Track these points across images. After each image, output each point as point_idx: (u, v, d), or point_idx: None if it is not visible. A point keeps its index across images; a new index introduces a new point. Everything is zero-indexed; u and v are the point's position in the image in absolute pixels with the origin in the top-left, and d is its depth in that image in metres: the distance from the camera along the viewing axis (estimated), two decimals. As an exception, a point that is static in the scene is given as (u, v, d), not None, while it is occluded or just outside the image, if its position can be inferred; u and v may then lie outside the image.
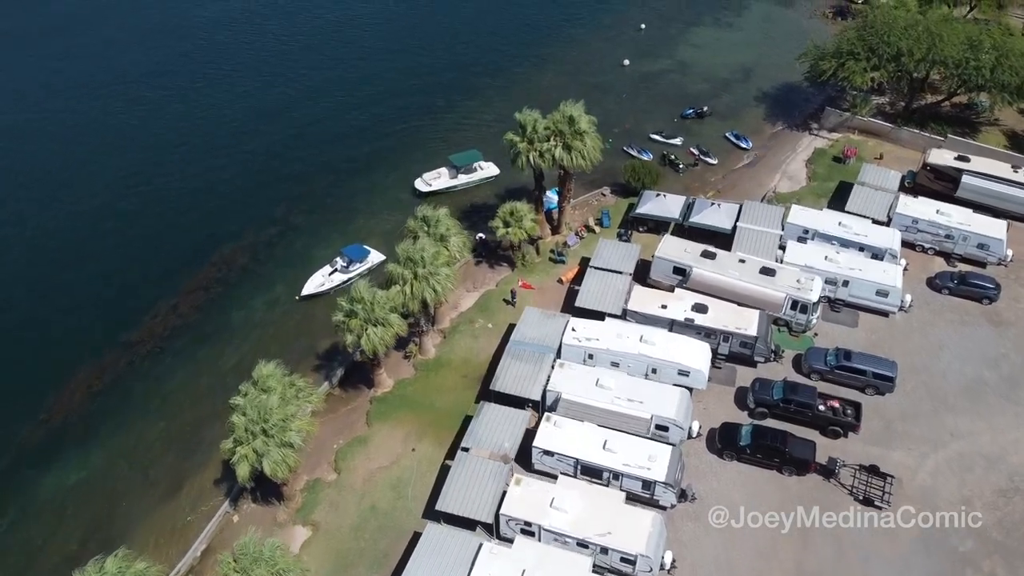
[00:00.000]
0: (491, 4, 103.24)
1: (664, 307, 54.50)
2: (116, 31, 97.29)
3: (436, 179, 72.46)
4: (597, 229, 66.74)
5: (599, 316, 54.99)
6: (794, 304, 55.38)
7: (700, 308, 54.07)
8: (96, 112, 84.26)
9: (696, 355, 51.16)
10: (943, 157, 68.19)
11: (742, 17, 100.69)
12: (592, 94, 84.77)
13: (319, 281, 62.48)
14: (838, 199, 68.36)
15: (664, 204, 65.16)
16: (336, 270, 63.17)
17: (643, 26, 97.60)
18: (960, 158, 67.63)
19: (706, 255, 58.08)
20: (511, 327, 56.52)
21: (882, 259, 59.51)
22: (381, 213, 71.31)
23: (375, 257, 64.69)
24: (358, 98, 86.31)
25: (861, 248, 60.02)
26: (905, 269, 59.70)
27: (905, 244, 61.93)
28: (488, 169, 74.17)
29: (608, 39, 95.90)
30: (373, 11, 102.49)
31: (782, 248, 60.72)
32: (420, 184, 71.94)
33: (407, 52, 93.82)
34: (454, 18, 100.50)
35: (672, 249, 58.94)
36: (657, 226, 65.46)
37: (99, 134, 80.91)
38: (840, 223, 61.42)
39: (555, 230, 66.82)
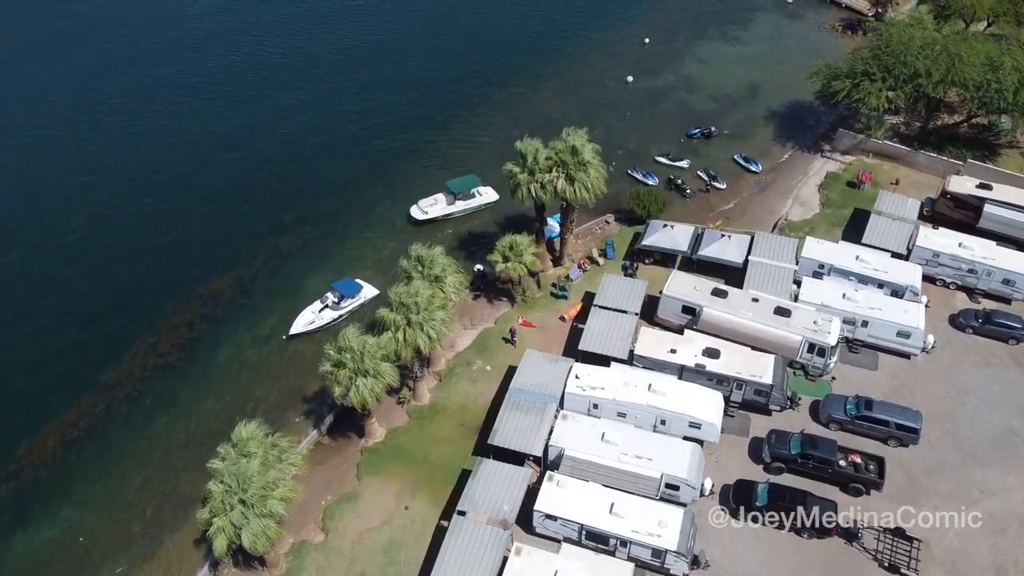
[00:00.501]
0: (489, 18, 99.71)
1: (673, 351, 51.35)
2: (93, 54, 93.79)
3: (432, 206, 69.26)
4: (601, 261, 63.56)
5: (604, 360, 51.84)
6: (811, 347, 52.26)
7: (712, 353, 50.93)
8: (69, 137, 79.75)
9: (708, 406, 48.00)
10: (964, 185, 65.00)
11: (749, 31, 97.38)
12: (595, 112, 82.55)
13: (308, 318, 59.33)
14: (853, 228, 65.22)
15: (671, 235, 61.98)
16: (327, 306, 60.00)
17: (647, 40, 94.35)
18: (982, 186, 64.47)
19: (717, 293, 54.93)
20: (511, 369, 53.48)
21: (902, 296, 56.39)
22: (375, 241, 68.19)
23: (368, 291, 61.55)
24: (350, 114, 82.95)
25: (880, 285, 56.94)
26: (927, 306, 56.58)
27: (925, 278, 58.75)
28: (487, 195, 70.99)
29: (611, 54, 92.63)
30: (366, 25, 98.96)
31: (797, 283, 57.61)
32: (416, 212, 68.75)
33: (402, 66, 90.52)
34: (451, 32, 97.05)
35: (681, 287, 55.78)
36: (664, 257, 62.43)
37: (72, 159, 76.75)
38: (857, 257, 58.30)
39: (556, 261, 63.66)
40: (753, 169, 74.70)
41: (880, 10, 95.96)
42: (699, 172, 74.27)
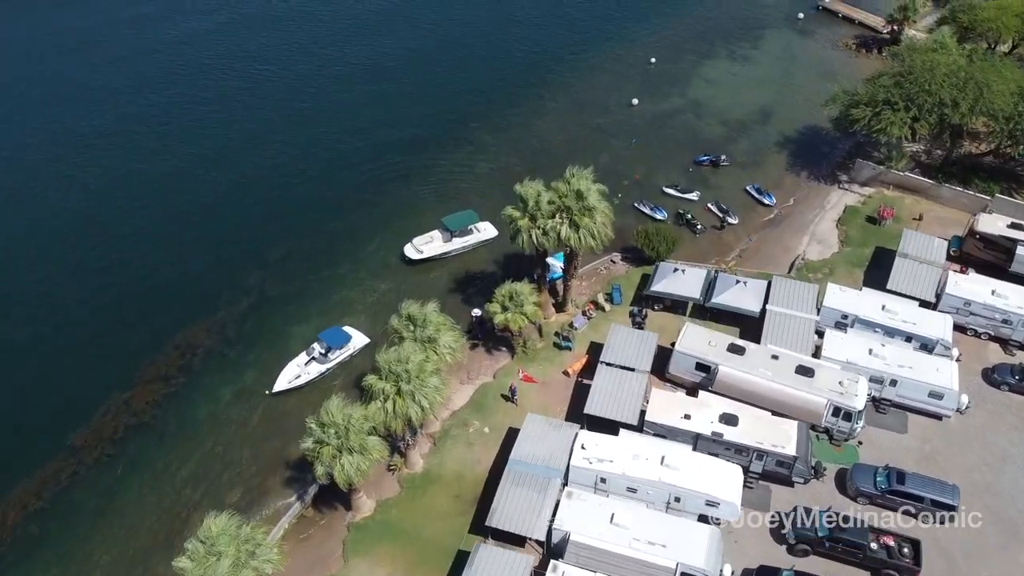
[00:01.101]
0: (486, 38, 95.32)
1: (687, 417, 47.23)
2: (61, 81, 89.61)
3: (428, 244, 65.11)
4: (607, 307, 59.42)
5: (612, 425, 47.74)
6: (836, 411, 48.18)
7: (729, 420, 46.82)
8: (32, 177, 74.02)
9: (726, 482, 43.92)
10: (994, 224, 60.90)
11: (759, 49, 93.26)
12: (598, 138, 78.60)
13: (294, 372, 55.19)
14: (876, 269, 61.24)
15: (682, 281, 57.87)
16: (313, 358, 55.83)
17: (653, 60, 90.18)
18: (1014, 226, 60.36)
19: (734, 350, 50.83)
20: (511, 431, 49.54)
21: (932, 350, 52.32)
22: (366, 282, 64.01)
23: (357, 340, 57.43)
24: (339, 139, 78.52)
25: (908, 338, 52.82)
26: (958, 360, 52.54)
27: (956, 327, 54.64)
28: (485, 231, 66.87)
29: (616, 74, 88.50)
30: (357, 40, 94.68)
31: (819, 334, 53.56)
32: (410, 251, 64.60)
33: (395, 88, 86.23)
34: (447, 52, 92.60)
35: (694, 342, 51.67)
36: (675, 303, 58.30)
37: (42, 196, 72.25)
38: (883, 307, 54.18)
39: (560, 307, 59.51)
40: (766, 202, 70.56)
41: (896, 28, 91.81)
42: (710, 205, 70.16)
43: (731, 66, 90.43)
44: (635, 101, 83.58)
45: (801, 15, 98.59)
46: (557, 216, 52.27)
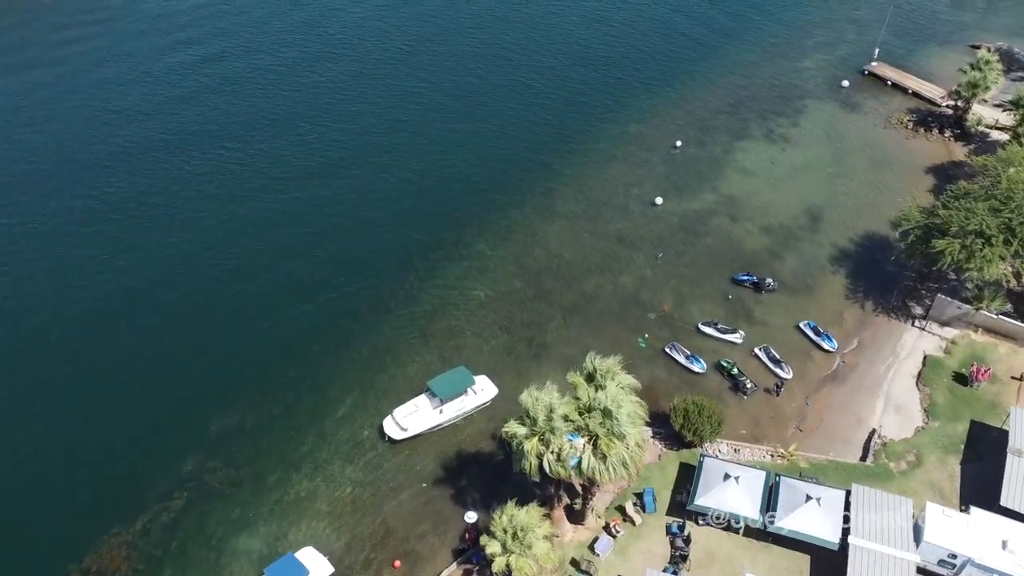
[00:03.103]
0: (482, 108, 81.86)
1: None
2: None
3: (412, 415, 52.17)
4: (637, 519, 46.47)
5: None
6: None
7: None
8: None
9: None
10: None
11: (799, 127, 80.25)
12: (617, 252, 65.92)
13: (231, 629, 42.19)
14: (978, 463, 48.87)
15: (735, 493, 44.93)
16: (259, 606, 42.92)
17: (679, 143, 77.17)
18: None
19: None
20: None
21: (1073, 609, 39.55)
22: (333, 468, 50.99)
23: (319, 570, 44.43)
24: (296, 249, 65.26)
25: (1044, 593, 40.03)
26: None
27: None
28: (482, 391, 54.06)
29: (635, 161, 75.49)
30: (325, 117, 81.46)
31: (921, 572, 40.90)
32: (391, 428, 51.69)
33: (365, 176, 72.83)
34: (438, 128, 79.24)
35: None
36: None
37: None
38: (1005, 544, 41.35)
39: (576, 518, 46.51)
40: (826, 347, 57.77)
41: (959, 103, 78.73)
42: (757, 351, 57.37)
43: (769, 150, 77.35)
44: (659, 200, 70.55)
45: (846, 82, 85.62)
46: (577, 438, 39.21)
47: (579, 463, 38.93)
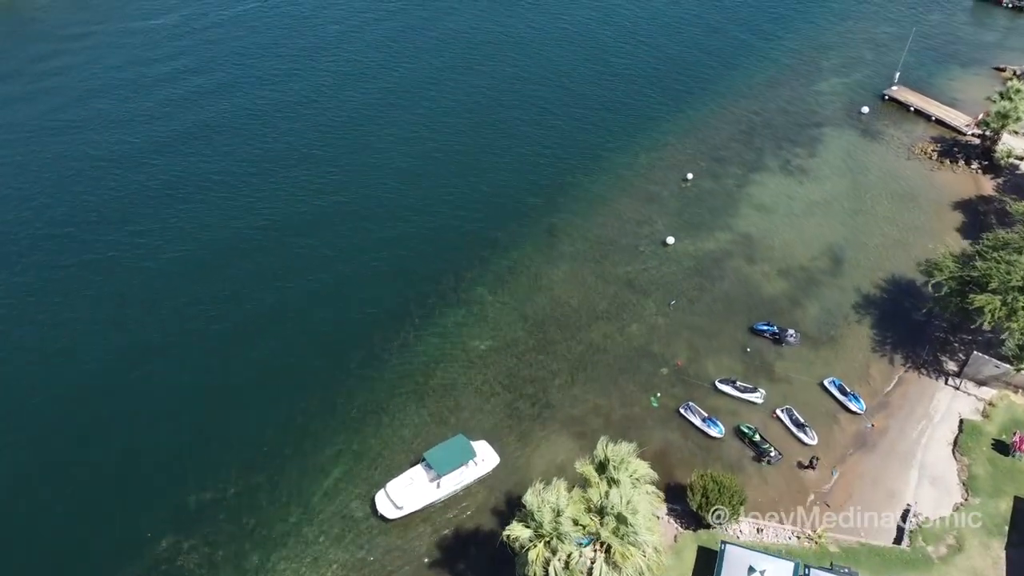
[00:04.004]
0: (485, 144, 77.62)
1: None
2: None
3: (407, 491, 47.90)
4: (654, 616, 42.13)
5: None
6: None
7: None
8: None
9: None
10: None
11: (817, 157, 75.95)
12: (626, 298, 61.79)
13: None
14: (1020, 545, 44.22)
15: (763, 589, 40.73)
16: None
17: (690, 175, 72.95)
18: None
19: None
20: None
21: None
22: (318, 544, 46.87)
23: None
24: (283, 304, 61.09)
25: None
26: None
27: None
28: (483, 460, 49.89)
29: (644, 196, 71.24)
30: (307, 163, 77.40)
31: None
32: (385, 505, 47.45)
33: (359, 210, 68.98)
34: (436, 168, 75.09)
35: None
36: (749, 611, 41.26)
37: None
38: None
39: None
40: (853, 408, 53.55)
41: (985, 132, 74.45)
42: (779, 413, 53.19)
43: (786, 183, 73.07)
44: (670, 240, 66.29)
45: (865, 109, 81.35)
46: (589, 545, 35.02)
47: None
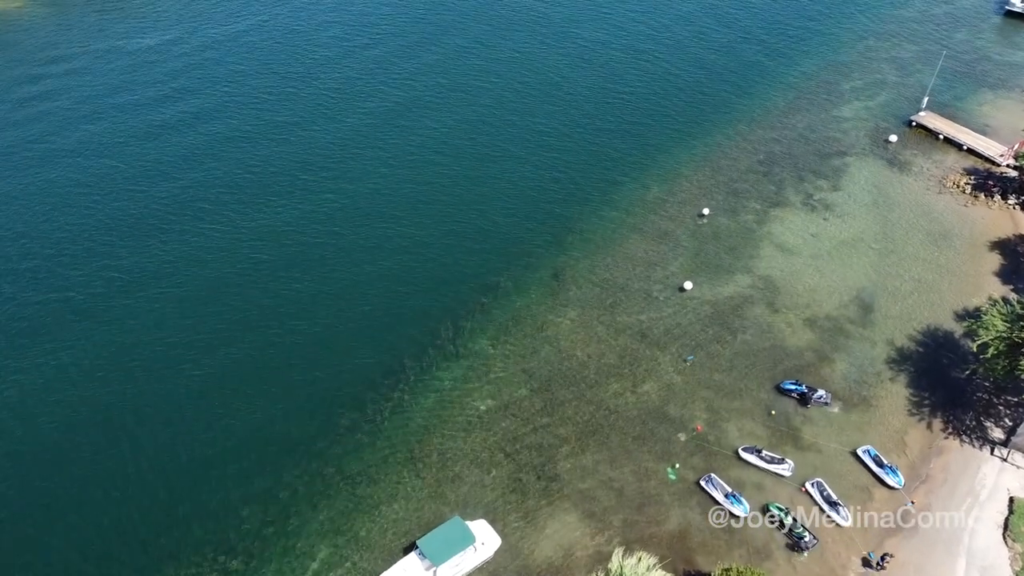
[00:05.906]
0: (487, 177, 72.67)
1: None
2: None
3: (399, 580, 43.21)
4: None
5: None
6: None
7: None
8: None
9: None
10: None
11: (841, 191, 70.93)
12: (640, 353, 56.92)
13: None
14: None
15: None
16: None
17: (705, 211, 68.04)
18: None
19: None
20: None
21: None
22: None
23: None
24: (258, 361, 56.39)
25: None
26: None
27: None
28: (483, 546, 45.05)
29: (657, 235, 66.26)
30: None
31: None
32: (372, 601, 42.76)
33: (355, 260, 64.16)
34: (435, 203, 70.21)
35: None
36: None
37: None
38: None
39: None
40: (890, 482, 48.68)
41: (1023, 163, 69.36)
42: (808, 487, 48.40)
43: (809, 220, 68.08)
44: (687, 285, 61.41)
45: (893, 137, 76.22)
46: None
47: None
